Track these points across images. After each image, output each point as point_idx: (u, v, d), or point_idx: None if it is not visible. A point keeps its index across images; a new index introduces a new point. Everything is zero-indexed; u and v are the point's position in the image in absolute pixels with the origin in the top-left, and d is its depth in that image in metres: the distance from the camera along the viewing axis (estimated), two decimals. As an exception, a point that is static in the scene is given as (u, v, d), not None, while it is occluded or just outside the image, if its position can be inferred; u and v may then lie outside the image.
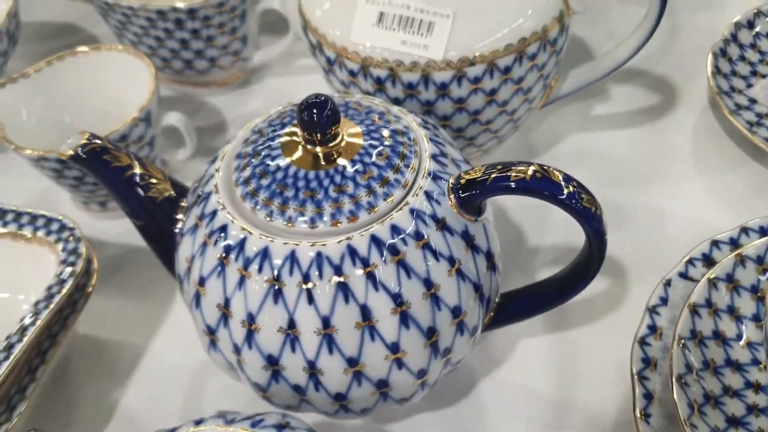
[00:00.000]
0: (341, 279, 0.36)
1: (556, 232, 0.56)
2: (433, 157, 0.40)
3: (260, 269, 0.36)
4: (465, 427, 0.46)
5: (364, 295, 0.36)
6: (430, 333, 0.38)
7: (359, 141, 0.39)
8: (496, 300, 0.43)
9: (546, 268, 0.54)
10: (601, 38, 0.72)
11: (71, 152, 0.42)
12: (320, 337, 0.36)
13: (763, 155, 0.59)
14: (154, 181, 0.43)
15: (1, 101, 0.57)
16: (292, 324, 0.36)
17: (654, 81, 0.67)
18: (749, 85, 0.63)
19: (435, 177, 0.39)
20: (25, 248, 0.48)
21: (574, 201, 0.37)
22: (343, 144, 0.39)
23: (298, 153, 0.39)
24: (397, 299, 0.36)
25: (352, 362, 0.37)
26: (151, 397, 0.49)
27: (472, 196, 0.38)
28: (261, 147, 0.40)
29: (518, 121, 0.55)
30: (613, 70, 0.54)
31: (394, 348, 0.37)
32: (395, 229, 0.37)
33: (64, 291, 0.45)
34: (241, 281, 0.37)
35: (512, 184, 0.37)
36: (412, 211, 0.37)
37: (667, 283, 0.48)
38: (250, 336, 0.37)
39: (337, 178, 0.37)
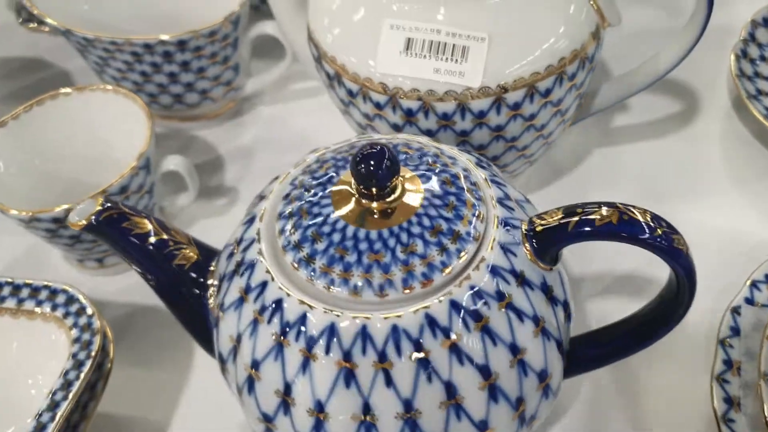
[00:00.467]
0: (422, 355, 0.32)
1: (599, 259, 0.52)
2: (500, 201, 0.36)
3: (327, 349, 0.32)
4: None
5: (448, 370, 0.32)
6: (518, 403, 0.34)
7: (420, 191, 0.35)
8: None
9: (594, 299, 0.50)
10: (617, 43, 0.68)
11: (84, 222, 0.37)
12: (401, 423, 0.32)
13: (799, 160, 0.57)
14: (178, 246, 0.38)
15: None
16: (367, 409, 0.32)
17: (672, 87, 0.64)
18: (774, 87, 0.60)
19: (507, 225, 0.35)
20: (29, 325, 0.43)
21: (665, 243, 0.33)
22: (403, 196, 0.34)
23: (354, 209, 0.34)
24: (485, 372, 0.32)
25: (435, 446, 0.33)
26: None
27: (551, 244, 0.35)
28: (307, 204, 0.35)
29: (552, 142, 0.51)
30: (652, 84, 0.51)
31: (483, 426, 0.33)
32: (475, 291, 0.32)
33: (82, 376, 0.39)
34: (305, 364, 0.32)
35: (597, 229, 0.33)
36: (489, 267, 0.33)
37: (736, 311, 0.45)
38: (318, 426, 0.33)
39: (404, 237, 0.33)
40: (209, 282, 0.38)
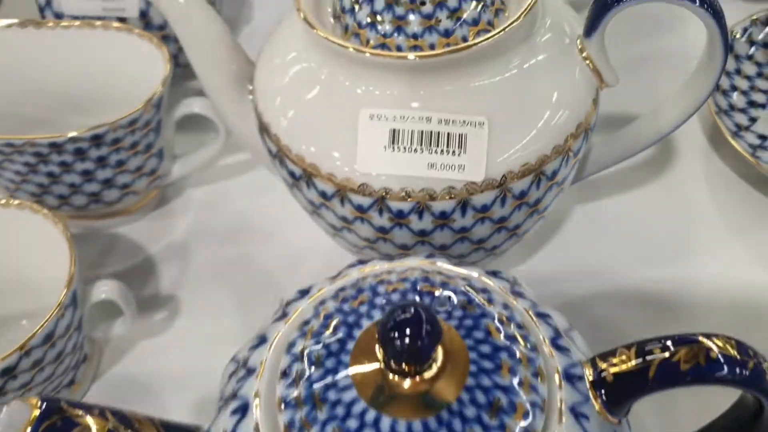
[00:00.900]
0: None
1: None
2: (553, 342, 0.29)
3: None
4: None
5: None
6: None
7: (462, 350, 0.27)
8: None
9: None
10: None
11: (18, 438, 0.27)
12: None
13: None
14: (146, 441, 0.29)
15: None
16: None
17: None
18: (752, 119, 0.56)
19: (569, 378, 0.28)
20: None
21: (758, 379, 0.27)
22: (447, 367, 0.27)
23: (385, 392, 0.26)
24: None
25: None
26: None
27: (627, 395, 0.28)
28: (322, 388, 0.27)
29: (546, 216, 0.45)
30: (653, 144, 0.45)
31: None
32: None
33: None
34: None
35: (689, 375, 0.27)
36: (565, 445, 0.26)
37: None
38: None
39: (457, 425, 0.26)
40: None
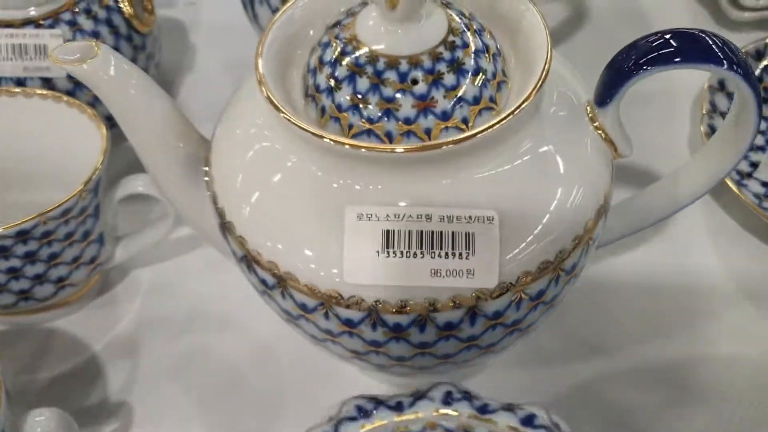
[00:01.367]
0: None
1: None
2: None
3: None
4: None
5: None
6: None
7: None
8: None
9: None
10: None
11: None
12: None
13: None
14: None
15: None
16: None
17: (630, 175, 0.53)
18: (753, 165, 0.52)
19: None
20: None
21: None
22: None
23: None
24: None
25: None
26: None
27: None
28: None
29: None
30: (669, 216, 0.40)
31: None
32: None
33: None
34: None
35: None
36: None
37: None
38: None
39: None
40: None
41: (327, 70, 0.32)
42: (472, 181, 0.31)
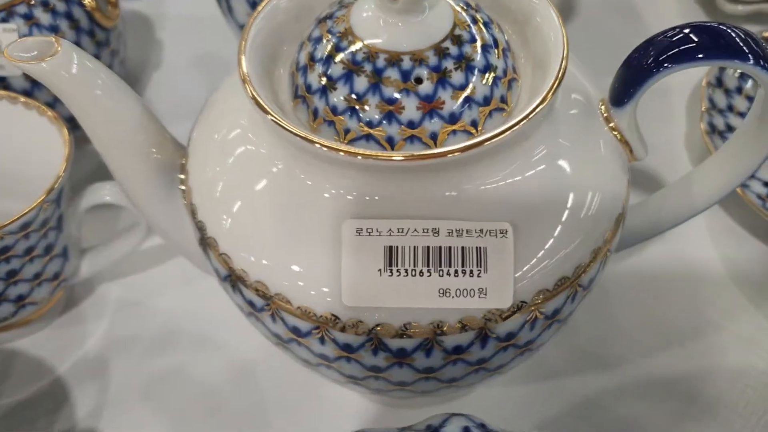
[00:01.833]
0: None
1: None
2: None
3: None
4: None
5: None
6: None
7: None
8: None
9: None
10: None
11: None
12: None
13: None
14: None
15: None
16: None
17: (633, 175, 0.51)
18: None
19: None
20: None
21: None
22: None
23: None
24: None
25: None
26: None
27: None
28: None
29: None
30: (684, 221, 0.37)
31: None
32: None
33: None
34: None
35: None
36: None
37: None
38: None
39: None
40: None
41: (319, 68, 0.28)
42: (481, 191, 0.28)
